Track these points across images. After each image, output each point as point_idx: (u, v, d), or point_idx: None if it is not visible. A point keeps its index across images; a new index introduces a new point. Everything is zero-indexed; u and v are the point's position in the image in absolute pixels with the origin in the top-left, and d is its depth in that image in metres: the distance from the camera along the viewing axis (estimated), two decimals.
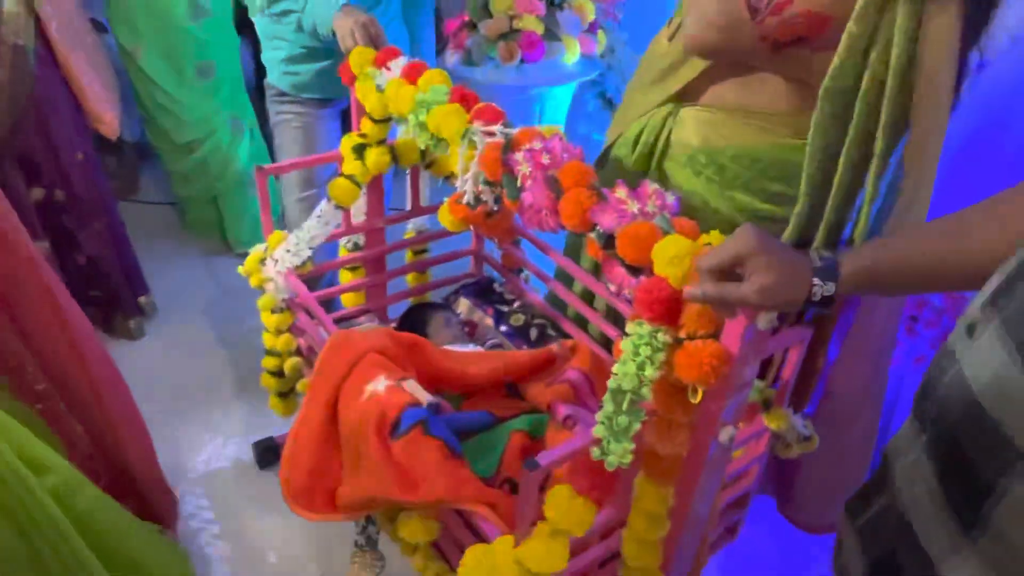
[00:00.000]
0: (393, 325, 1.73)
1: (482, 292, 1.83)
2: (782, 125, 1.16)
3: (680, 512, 1.06)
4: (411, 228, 1.82)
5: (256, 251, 1.57)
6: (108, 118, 2.10)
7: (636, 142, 1.32)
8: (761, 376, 1.20)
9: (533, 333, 1.73)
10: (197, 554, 1.76)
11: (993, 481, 0.56)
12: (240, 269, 1.58)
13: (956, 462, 0.61)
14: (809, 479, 1.40)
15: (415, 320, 1.66)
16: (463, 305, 1.80)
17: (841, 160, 1.03)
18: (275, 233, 1.58)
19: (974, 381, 0.59)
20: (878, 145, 1.00)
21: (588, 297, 1.58)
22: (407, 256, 1.86)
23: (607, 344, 1.54)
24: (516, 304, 1.78)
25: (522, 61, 2.16)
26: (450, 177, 1.66)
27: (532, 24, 2.11)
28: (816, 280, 0.81)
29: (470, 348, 1.59)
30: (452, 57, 2.26)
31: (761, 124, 1.17)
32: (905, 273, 0.80)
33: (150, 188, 3.14)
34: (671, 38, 1.27)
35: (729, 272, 0.81)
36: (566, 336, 1.67)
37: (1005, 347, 0.57)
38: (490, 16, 2.12)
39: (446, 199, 1.55)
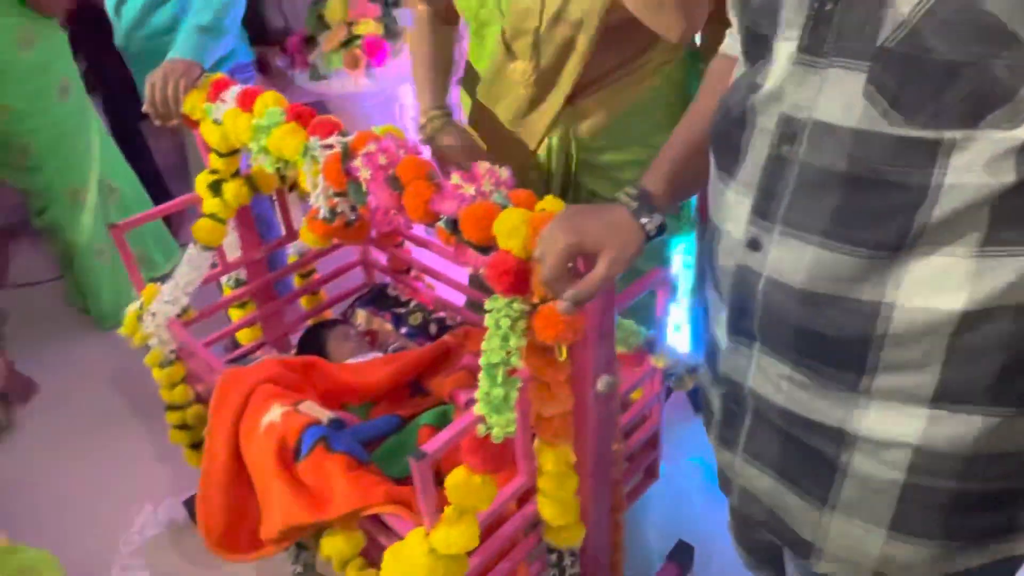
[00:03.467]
0: (293, 353, 1.72)
1: (377, 299, 1.84)
2: (651, 61, 1.27)
3: (583, 464, 1.11)
4: (292, 252, 1.81)
5: (132, 308, 1.54)
6: None
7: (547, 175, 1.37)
8: None
9: (433, 328, 1.75)
10: None
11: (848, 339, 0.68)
12: (120, 330, 1.54)
13: (806, 345, 0.71)
14: None
15: (312, 342, 1.66)
16: (360, 316, 1.81)
17: None
18: (148, 287, 1.55)
19: (791, 279, 0.69)
20: None
21: (477, 282, 1.61)
22: (296, 281, 1.85)
23: None
24: (412, 304, 1.80)
25: (369, 65, 2.17)
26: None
27: (370, 28, 2.11)
28: (642, 219, 0.86)
29: (373, 355, 1.60)
30: (300, 75, 2.24)
31: (640, 71, 1.27)
32: (682, 169, 0.89)
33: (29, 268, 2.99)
34: (532, 58, 1.24)
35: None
36: (467, 322, 1.70)
37: (809, 242, 0.67)
38: (327, 28, 2.11)
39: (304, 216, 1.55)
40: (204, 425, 1.59)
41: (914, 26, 0.57)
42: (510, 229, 0.93)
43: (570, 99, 1.29)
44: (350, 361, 1.56)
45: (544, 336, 0.92)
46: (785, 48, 0.67)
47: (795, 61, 0.66)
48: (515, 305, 0.94)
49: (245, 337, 1.79)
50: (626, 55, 1.27)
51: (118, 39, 1.94)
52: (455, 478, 0.97)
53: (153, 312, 1.49)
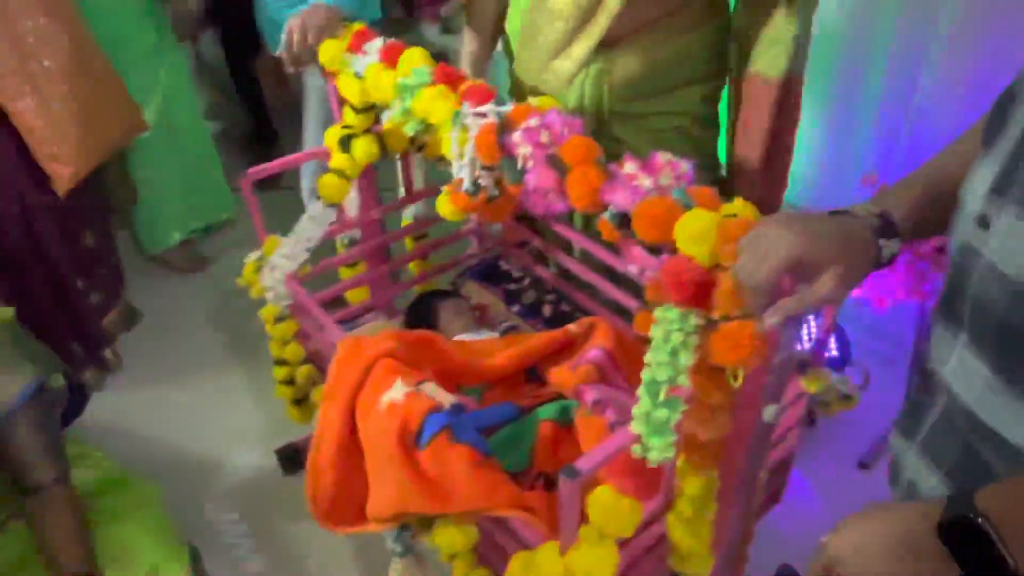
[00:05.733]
0: (400, 319, 1.67)
1: (489, 273, 1.77)
2: (692, 14, 1.31)
3: (726, 493, 1.01)
4: (408, 215, 1.75)
5: (252, 259, 1.51)
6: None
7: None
8: None
9: (547, 310, 1.67)
10: (233, 568, 1.74)
11: None
12: (238, 280, 1.52)
13: (1008, 347, 0.64)
14: None
15: (423, 312, 1.60)
16: (471, 288, 1.74)
17: None
18: (270, 239, 1.51)
19: (1007, 267, 0.62)
20: None
21: (600, 266, 1.51)
22: (407, 244, 1.79)
23: (624, 312, 1.48)
24: (526, 281, 1.72)
25: None
26: (442, 159, 1.58)
27: None
28: (881, 241, 0.74)
29: (484, 335, 1.53)
30: (429, 28, 2.15)
31: (679, 23, 1.31)
32: (930, 204, 0.78)
33: None
34: None
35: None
36: (580, 307, 1.61)
37: None
38: None
39: (445, 186, 1.47)
40: (310, 384, 1.57)
41: None
42: (697, 233, 0.83)
43: (607, 44, 1.31)
44: (462, 337, 1.50)
45: (723, 357, 0.82)
46: None
47: None
48: (692, 319, 0.84)
49: (352, 298, 1.75)
50: (667, 5, 1.30)
51: None
52: (600, 498, 0.89)
53: (272, 266, 1.45)
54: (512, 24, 1.43)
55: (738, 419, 0.93)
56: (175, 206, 2.46)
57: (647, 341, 1.35)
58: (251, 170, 1.44)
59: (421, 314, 1.60)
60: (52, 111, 1.78)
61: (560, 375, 1.32)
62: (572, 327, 1.40)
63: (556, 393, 1.34)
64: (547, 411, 1.26)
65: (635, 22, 1.29)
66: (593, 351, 1.33)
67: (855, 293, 1.63)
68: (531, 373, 1.43)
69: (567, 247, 1.61)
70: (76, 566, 1.23)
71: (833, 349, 1.66)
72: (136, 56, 2.16)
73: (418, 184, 1.67)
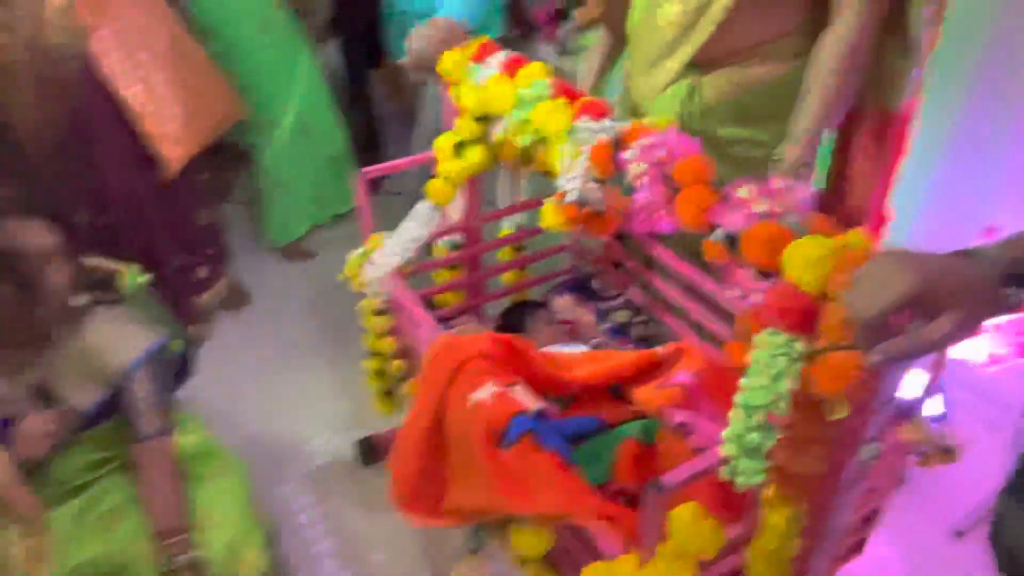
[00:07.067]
0: (492, 325, 1.71)
1: (581, 288, 1.78)
2: (791, 45, 1.30)
3: (813, 531, 0.99)
4: (507, 225, 1.79)
5: (356, 254, 1.58)
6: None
7: None
8: None
9: (636, 331, 1.67)
10: (303, 549, 1.80)
11: None
12: (340, 273, 1.59)
13: None
14: None
15: (515, 320, 1.64)
16: (562, 303, 1.76)
17: None
18: (373, 236, 1.58)
19: None
20: None
21: (691, 292, 1.50)
22: (503, 254, 1.83)
23: (712, 338, 1.47)
24: (617, 301, 1.73)
25: None
26: (548, 173, 1.62)
27: None
28: (1008, 289, 0.70)
29: (573, 348, 1.55)
30: (544, 48, 2.21)
31: (777, 52, 1.31)
32: None
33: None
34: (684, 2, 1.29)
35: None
36: (669, 331, 1.60)
37: None
38: (581, 3, 2.05)
39: (551, 198, 1.51)
40: (401, 377, 1.62)
41: None
42: (808, 260, 0.82)
43: (703, 63, 1.33)
44: (552, 349, 1.52)
45: (825, 388, 0.81)
46: None
47: None
48: (796, 345, 0.84)
49: (444, 300, 1.80)
50: (768, 30, 1.30)
51: None
52: (683, 515, 0.88)
53: (375, 261, 1.52)
54: (630, 29, 1.48)
55: (834, 455, 0.90)
56: (305, 203, 2.63)
57: (737, 370, 1.34)
58: (365, 169, 1.52)
59: (513, 322, 1.63)
60: (157, 95, 1.95)
61: (646, 394, 1.32)
62: (660, 349, 1.40)
63: (639, 412, 1.34)
64: (630, 428, 1.27)
65: (732, 45, 1.30)
66: (681, 374, 1.33)
67: (962, 350, 1.56)
68: (614, 390, 1.44)
69: (659, 270, 1.61)
70: (170, 516, 1.32)
71: (938, 403, 1.59)
72: (273, 60, 2.32)
73: (507, 198, 1.71)
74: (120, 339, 1.33)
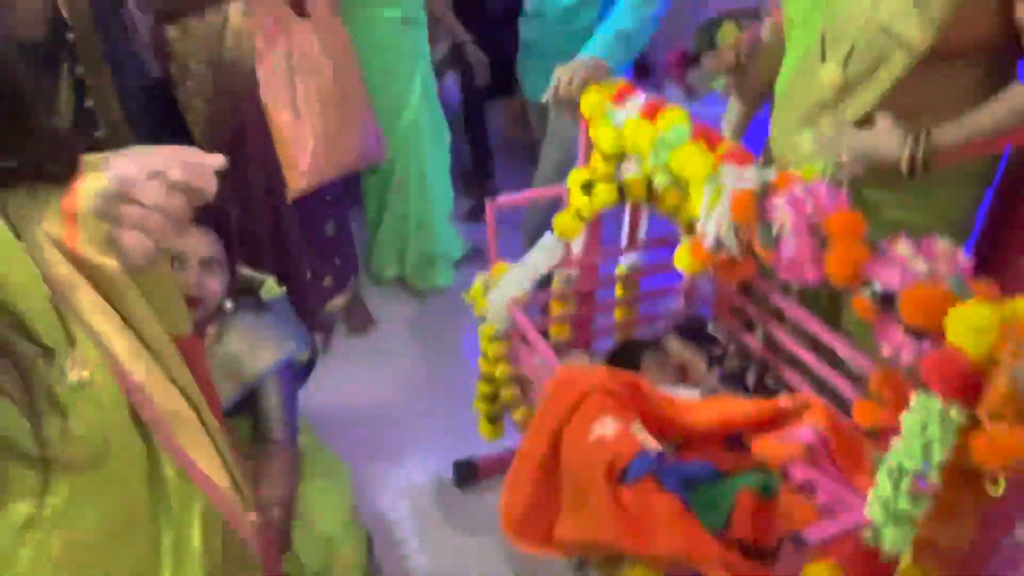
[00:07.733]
0: (600, 360, 1.72)
1: (693, 333, 1.77)
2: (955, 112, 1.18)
3: None
4: (623, 263, 1.81)
5: (481, 279, 1.63)
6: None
7: None
8: None
9: (751, 379, 1.64)
10: (397, 563, 1.84)
11: None
12: (466, 297, 1.64)
13: None
14: None
15: (627, 358, 1.64)
16: (675, 345, 1.75)
17: None
18: (498, 264, 1.63)
19: None
20: None
21: (813, 345, 1.47)
22: (616, 290, 1.85)
23: (833, 394, 1.43)
24: (731, 348, 1.71)
25: None
26: (674, 215, 1.63)
27: None
28: None
29: (685, 391, 1.54)
30: (671, 91, 2.22)
31: (941, 116, 1.19)
32: None
33: None
34: (844, 64, 1.25)
35: None
36: (786, 383, 1.57)
37: None
38: (714, 47, 2.06)
39: (685, 238, 1.52)
40: (511, 404, 1.65)
41: None
42: (974, 327, 0.80)
43: (859, 123, 1.26)
44: (664, 389, 1.51)
45: (987, 461, 0.78)
46: None
47: None
48: (953, 414, 0.81)
49: (554, 332, 1.82)
50: (937, 93, 1.23)
51: (529, 32, 2.09)
52: (819, 573, 0.86)
53: (499, 288, 1.56)
54: (779, 86, 1.46)
55: (985, 531, 0.87)
56: (394, 247, 2.69)
57: (862, 431, 1.29)
58: (500, 198, 1.57)
59: (625, 360, 1.63)
60: (300, 126, 2.04)
61: (767, 446, 1.30)
62: (783, 401, 1.37)
63: (756, 463, 1.31)
64: (748, 479, 1.24)
65: (897, 106, 1.22)
66: (805, 430, 1.30)
67: None
68: (729, 441, 1.41)
69: (779, 319, 1.58)
70: (276, 522, 1.37)
71: None
72: (398, 93, 2.42)
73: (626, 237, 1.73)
74: (258, 347, 1.41)
